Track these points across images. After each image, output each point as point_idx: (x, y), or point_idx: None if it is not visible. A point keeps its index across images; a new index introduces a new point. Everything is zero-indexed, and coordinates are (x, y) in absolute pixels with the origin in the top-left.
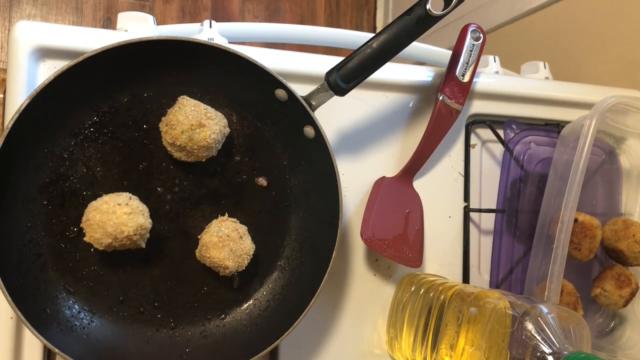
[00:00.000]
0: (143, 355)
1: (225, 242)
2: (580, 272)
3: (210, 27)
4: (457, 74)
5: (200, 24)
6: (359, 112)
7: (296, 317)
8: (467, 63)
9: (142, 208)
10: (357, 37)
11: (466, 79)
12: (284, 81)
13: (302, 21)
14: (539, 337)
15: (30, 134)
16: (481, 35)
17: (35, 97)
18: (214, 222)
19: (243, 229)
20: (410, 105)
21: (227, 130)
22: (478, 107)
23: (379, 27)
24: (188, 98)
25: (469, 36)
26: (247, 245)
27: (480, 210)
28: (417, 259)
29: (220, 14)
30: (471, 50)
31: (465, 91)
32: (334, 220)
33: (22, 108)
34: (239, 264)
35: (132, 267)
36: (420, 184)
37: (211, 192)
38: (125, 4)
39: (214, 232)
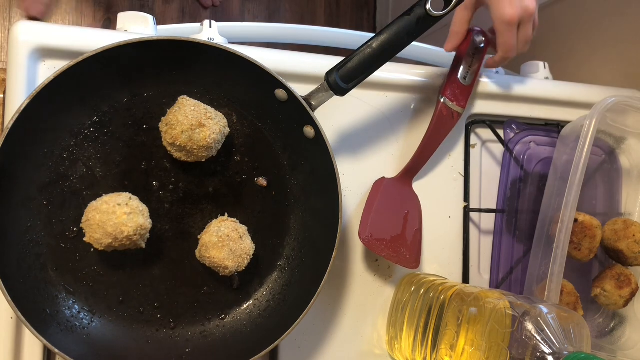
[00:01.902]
0: (143, 355)
1: (225, 242)
2: (580, 272)
3: (210, 27)
4: (459, 77)
5: (200, 24)
6: (359, 112)
7: (296, 317)
8: (470, 67)
9: (142, 208)
10: (357, 37)
11: (468, 82)
12: (284, 81)
13: (302, 21)
14: (539, 337)
15: (30, 134)
16: (484, 39)
17: (35, 97)
18: (214, 222)
19: (243, 229)
20: (411, 105)
21: (227, 130)
22: (478, 107)
23: (379, 27)
24: (188, 98)
25: (472, 40)
26: (247, 245)
27: (480, 210)
28: (414, 260)
29: (220, 14)
30: (474, 55)
31: (466, 94)
32: (334, 220)
33: (22, 108)
34: (238, 264)
35: (132, 267)
36: (420, 184)
37: (211, 192)
38: (125, 4)
39: (214, 232)
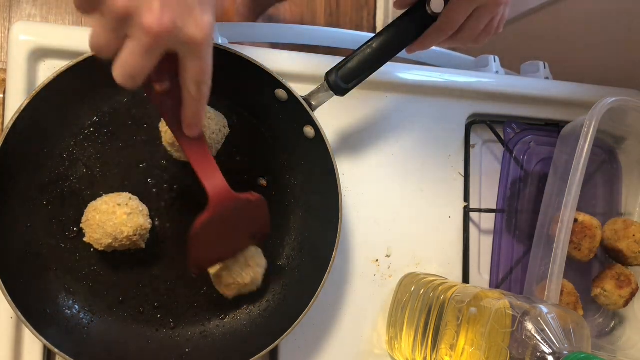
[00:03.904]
0: (143, 355)
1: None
2: (580, 272)
3: None
4: None
5: None
6: (359, 112)
7: (296, 317)
8: None
9: (142, 208)
10: (357, 37)
11: None
12: (284, 81)
13: (302, 21)
14: (539, 337)
15: (30, 134)
16: None
17: (35, 97)
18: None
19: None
20: (411, 105)
21: (227, 130)
22: (478, 107)
23: (379, 27)
24: None
25: None
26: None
27: (480, 210)
28: None
29: (220, 14)
30: None
31: None
32: (334, 220)
33: (21, 108)
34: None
35: (132, 267)
36: (420, 184)
37: None
38: None
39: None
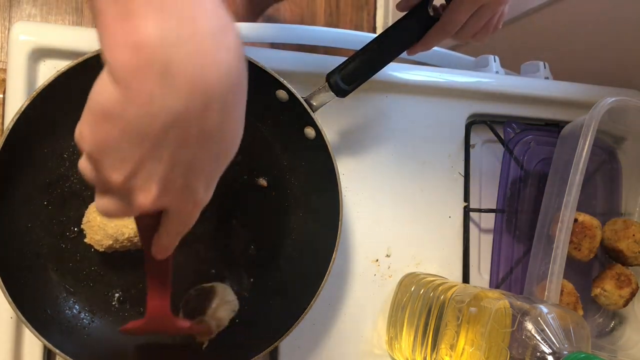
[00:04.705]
0: (143, 355)
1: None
2: (580, 272)
3: None
4: None
5: None
6: (359, 112)
7: (296, 317)
8: None
9: None
10: (357, 37)
11: None
12: (284, 81)
13: (302, 21)
14: (539, 337)
15: (30, 135)
16: None
17: (35, 98)
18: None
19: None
20: (411, 105)
21: None
22: (478, 107)
23: (379, 27)
24: None
25: None
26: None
27: (480, 210)
28: None
29: None
30: None
31: None
32: (334, 220)
33: (22, 109)
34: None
35: (133, 268)
36: (420, 184)
37: None
38: None
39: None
